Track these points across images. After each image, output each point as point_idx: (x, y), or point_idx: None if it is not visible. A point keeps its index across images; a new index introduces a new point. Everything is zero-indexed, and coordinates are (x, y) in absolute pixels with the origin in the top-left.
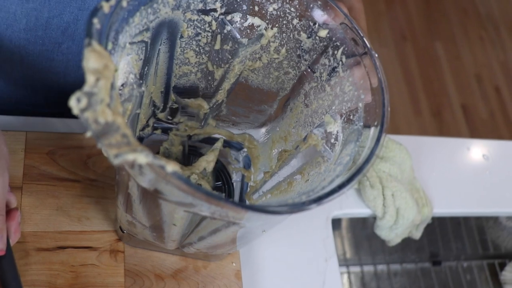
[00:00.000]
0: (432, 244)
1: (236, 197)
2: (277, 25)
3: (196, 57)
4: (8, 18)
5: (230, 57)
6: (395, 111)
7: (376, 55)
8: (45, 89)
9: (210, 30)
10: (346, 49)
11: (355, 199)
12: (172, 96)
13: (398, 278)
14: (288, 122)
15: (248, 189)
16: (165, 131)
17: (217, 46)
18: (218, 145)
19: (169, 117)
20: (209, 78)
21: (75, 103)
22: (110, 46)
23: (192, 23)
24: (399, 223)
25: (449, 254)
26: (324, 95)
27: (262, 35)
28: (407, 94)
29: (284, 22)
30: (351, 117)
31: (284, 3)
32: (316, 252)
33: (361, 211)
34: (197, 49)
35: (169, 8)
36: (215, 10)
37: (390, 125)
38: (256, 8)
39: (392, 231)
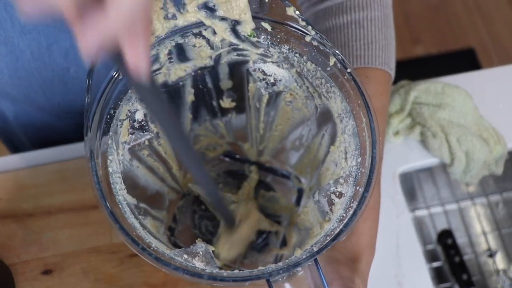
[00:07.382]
0: None
1: None
2: None
3: None
4: (15, 51)
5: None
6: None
7: None
8: (65, 111)
9: None
10: None
11: (420, 150)
12: None
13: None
14: None
15: None
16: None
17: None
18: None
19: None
20: None
21: None
22: None
23: None
24: (471, 166)
25: None
26: None
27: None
28: None
29: None
30: None
31: None
32: (386, 211)
33: (427, 161)
34: None
35: None
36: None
37: None
38: None
39: (466, 174)
